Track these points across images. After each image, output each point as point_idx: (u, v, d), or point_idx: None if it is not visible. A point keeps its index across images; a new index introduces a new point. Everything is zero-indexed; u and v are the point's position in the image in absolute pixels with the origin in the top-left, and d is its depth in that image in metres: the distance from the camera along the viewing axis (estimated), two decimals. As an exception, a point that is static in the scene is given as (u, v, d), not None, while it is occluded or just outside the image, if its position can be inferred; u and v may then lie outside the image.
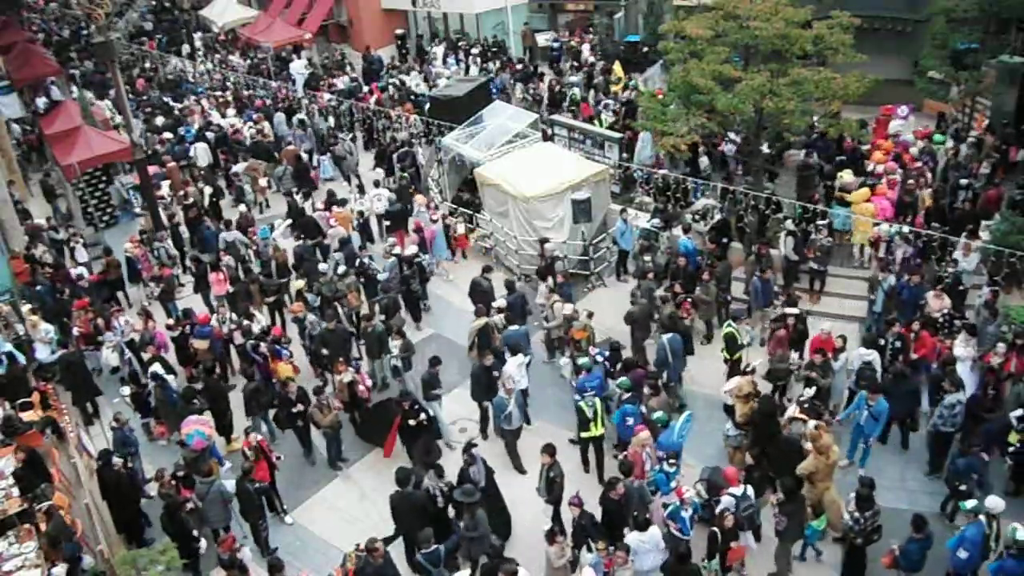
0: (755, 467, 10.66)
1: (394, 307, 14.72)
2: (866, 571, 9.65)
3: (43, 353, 13.87)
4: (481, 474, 10.68)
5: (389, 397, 12.89)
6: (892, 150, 16.98)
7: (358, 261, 15.73)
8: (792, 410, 10.87)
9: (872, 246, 14.75)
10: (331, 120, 23.01)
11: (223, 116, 24.35)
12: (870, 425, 10.95)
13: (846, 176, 16.13)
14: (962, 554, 8.93)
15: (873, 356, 11.73)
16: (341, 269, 15.44)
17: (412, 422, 11.67)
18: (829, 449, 9.89)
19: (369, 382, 13.21)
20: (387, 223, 17.92)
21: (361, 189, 20.20)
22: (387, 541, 9.78)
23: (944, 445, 11.04)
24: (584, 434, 11.22)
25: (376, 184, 19.82)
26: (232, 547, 9.84)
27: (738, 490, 9.71)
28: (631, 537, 9.42)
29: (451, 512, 10.50)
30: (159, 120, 24.24)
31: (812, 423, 10.19)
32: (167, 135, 22.98)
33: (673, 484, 9.99)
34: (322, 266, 15.66)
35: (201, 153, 21.80)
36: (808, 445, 10.03)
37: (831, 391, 11.85)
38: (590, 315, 13.19)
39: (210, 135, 22.47)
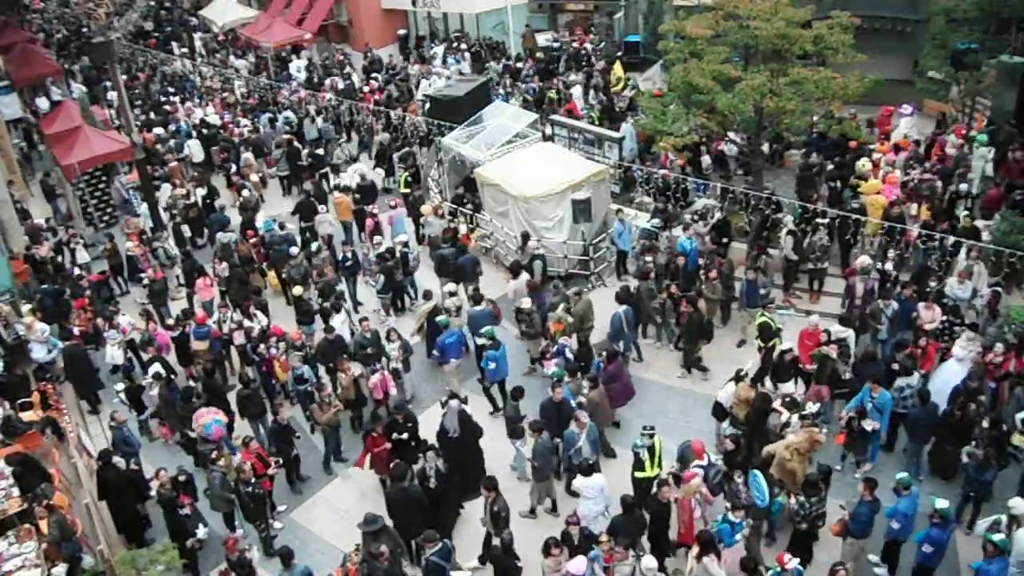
0: (734, 452, 10.72)
1: (329, 290, 14.98)
2: (812, 555, 10.00)
3: (40, 353, 13.80)
4: (454, 424, 11.24)
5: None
6: (908, 146, 17.01)
7: (342, 255, 16.02)
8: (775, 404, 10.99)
9: (847, 275, 13.98)
10: (319, 121, 23.07)
11: (205, 115, 24.53)
12: (874, 417, 10.95)
13: (868, 164, 16.18)
14: (894, 525, 9.43)
15: (848, 333, 12.18)
16: (314, 246, 16.50)
17: (395, 436, 11.53)
18: (801, 455, 10.07)
19: (394, 390, 12.92)
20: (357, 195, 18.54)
21: (336, 170, 20.77)
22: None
23: (897, 426, 11.51)
24: (639, 474, 10.52)
25: (349, 160, 20.61)
26: (238, 548, 9.89)
27: (703, 461, 10.21)
28: (577, 481, 10.20)
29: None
30: (150, 115, 24.43)
31: (784, 417, 10.52)
32: (158, 130, 23.17)
33: (738, 537, 9.30)
34: (292, 249, 16.08)
35: (195, 149, 22.03)
36: (790, 437, 10.25)
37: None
38: (567, 309, 13.35)
39: (197, 134, 22.77)
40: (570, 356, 12.76)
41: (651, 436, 10.44)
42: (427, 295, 14.39)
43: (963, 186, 15.37)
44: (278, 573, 9.79)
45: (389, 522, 10.17)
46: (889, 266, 13.75)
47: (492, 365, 12.65)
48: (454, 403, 11.37)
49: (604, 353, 12.47)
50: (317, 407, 12.05)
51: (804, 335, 12.39)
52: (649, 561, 8.99)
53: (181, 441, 12.87)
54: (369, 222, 17.16)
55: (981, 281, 13.16)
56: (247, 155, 21.13)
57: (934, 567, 9.37)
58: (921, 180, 15.59)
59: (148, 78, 29.45)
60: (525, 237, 15.37)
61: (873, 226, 14.85)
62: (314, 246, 16.64)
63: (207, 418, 11.74)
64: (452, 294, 14.38)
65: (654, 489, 10.05)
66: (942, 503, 9.13)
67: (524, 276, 14.43)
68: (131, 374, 13.87)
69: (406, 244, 16.00)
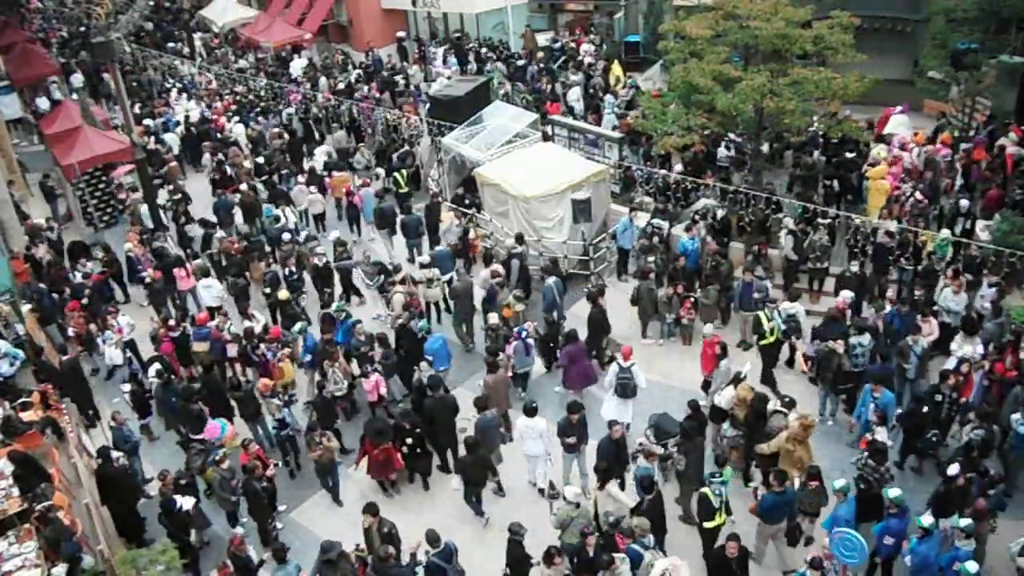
0: (687, 442, 10.80)
1: (275, 282, 15.31)
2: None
3: (4, 367, 13.41)
4: (417, 327, 13.30)
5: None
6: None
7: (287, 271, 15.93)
8: (773, 404, 11.05)
9: (836, 316, 12.94)
10: (295, 121, 23.36)
11: (187, 111, 24.89)
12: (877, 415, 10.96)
13: (883, 152, 16.30)
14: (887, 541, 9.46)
15: (797, 308, 12.84)
16: (304, 234, 17.26)
17: (408, 444, 11.58)
18: (800, 441, 10.25)
19: (384, 389, 12.98)
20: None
21: (309, 154, 21.46)
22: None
23: (849, 382, 12.05)
24: (707, 524, 9.91)
25: (366, 166, 21.33)
26: (241, 546, 9.95)
27: (626, 363, 11.66)
28: (519, 422, 11.15)
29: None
30: (136, 108, 24.63)
31: (792, 417, 10.57)
32: (147, 122, 23.48)
33: None
34: (285, 235, 16.53)
35: (171, 143, 22.58)
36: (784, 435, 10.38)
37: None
38: (518, 298, 13.90)
39: (185, 129, 23.27)
40: (530, 342, 13.14)
41: (723, 483, 9.85)
42: (397, 268, 15.04)
43: (964, 202, 14.89)
44: (272, 570, 9.86)
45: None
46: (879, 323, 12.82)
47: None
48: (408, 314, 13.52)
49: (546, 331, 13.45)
50: (307, 446, 11.71)
51: (705, 344, 12.54)
52: (571, 489, 9.92)
53: (180, 442, 12.85)
54: (345, 199, 18.33)
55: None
56: (232, 148, 21.38)
57: (894, 557, 9.52)
58: (910, 200, 15.23)
59: (134, 72, 29.46)
60: (519, 239, 15.39)
61: (875, 210, 15.00)
62: (304, 233, 17.31)
63: (217, 429, 11.98)
64: (425, 265, 15.08)
65: (720, 540, 9.63)
66: (895, 492, 9.43)
67: (492, 267, 14.73)
68: (137, 377, 13.85)
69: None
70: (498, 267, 14.79)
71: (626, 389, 11.71)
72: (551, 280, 14.14)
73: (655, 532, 9.65)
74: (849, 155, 16.98)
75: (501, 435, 12.06)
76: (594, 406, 12.49)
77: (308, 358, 13.64)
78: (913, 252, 14.20)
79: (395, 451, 11.69)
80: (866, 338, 11.93)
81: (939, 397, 11.10)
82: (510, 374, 13.12)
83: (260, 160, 20.90)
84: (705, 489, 9.85)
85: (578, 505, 9.70)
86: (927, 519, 9.12)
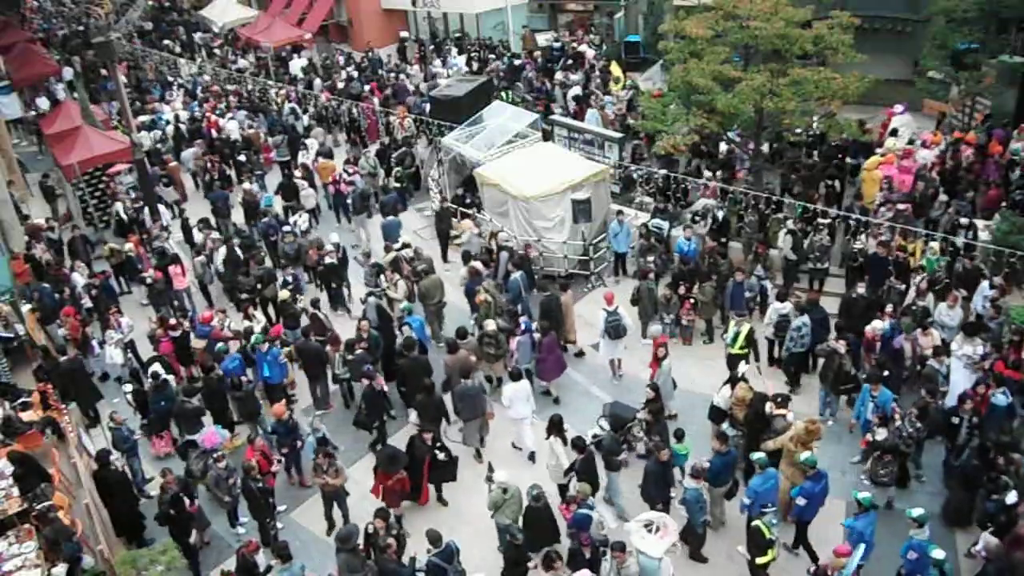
0: (654, 424, 11.07)
1: (268, 278, 15.51)
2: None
3: None
4: (373, 316, 13.70)
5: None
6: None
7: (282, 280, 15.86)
8: (770, 407, 10.95)
9: (866, 347, 12.36)
10: (305, 119, 23.46)
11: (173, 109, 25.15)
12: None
13: (897, 143, 16.43)
14: (746, 500, 9.75)
15: (788, 309, 12.86)
16: (304, 226, 17.57)
17: (441, 458, 11.35)
18: (804, 445, 10.20)
19: (384, 387, 12.87)
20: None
21: (303, 146, 21.75)
22: None
23: (798, 364, 12.87)
24: (760, 559, 9.44)
25: (307, 135, 22.13)
26: (254, 550, 9.94)
27: (611, 307, 12.76)
28: (506, 388, 11.72)
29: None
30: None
31: (791, 417, 10.63)
32: (143, 118, 23.69)
33: None
34: (285, 227, 16.86)
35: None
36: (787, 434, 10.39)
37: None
38: (496, 287, 14.30)
39: (175, 127, 23.48)
40: (536, 337, 13.10)
41: (685, 456, 9.87)
42: (387, 248, 15.68)
43: (963, 220, 14.34)
44: (276, 570, 9.84)
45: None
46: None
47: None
48: (372, 299, 13.97)
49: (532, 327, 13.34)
50: (313, 471, 11.24)
51: (655, 343, 12.52)
52: (502, 474, 10.16)
53: (179, 448, 12.81)
54: (332, 187, 19.18)
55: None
56: (195, 148, 21.62)
57: (809, 521, 9.73)
58: (897, 213, 14.89)
59: (127, 69, 29.53)
60: (494, 235, 15.76)
61: (870, 199, 15.17)
62: (303, 226, 17.55)
63: (216, 436, 11.90)
64: (407, 245, 15.83)
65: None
66: (806, 453, 9.76)
67: (472, 264, 14.81)
68: (138, 376, 13.84)
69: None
70: (478, 264, 14.78)
71: (617, 330, 12.93)
72: (517, 274, 14.42)
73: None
74: (879, 150, 16.87)
75: (484, 403, 12.02)
76: (570, 396, 13.19)
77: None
78: (903, 267, 13.84)
79: (408, 480, 11.24)
80: (806, 318, 12.41)
81: (955, 420, 10.72)
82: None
83: (242, 159, 21.10)
84: (757, 522, 9.43)
85: (505, 491, 10.03)
86: (863, 494, 9.27)
